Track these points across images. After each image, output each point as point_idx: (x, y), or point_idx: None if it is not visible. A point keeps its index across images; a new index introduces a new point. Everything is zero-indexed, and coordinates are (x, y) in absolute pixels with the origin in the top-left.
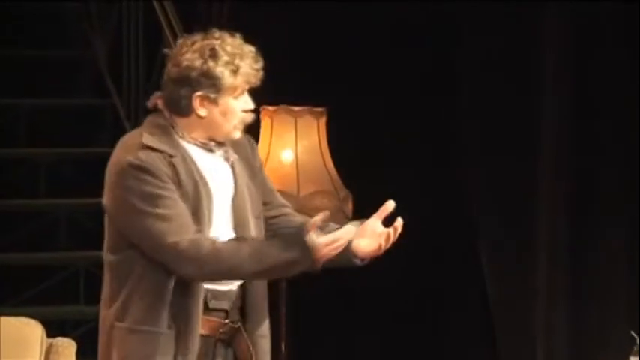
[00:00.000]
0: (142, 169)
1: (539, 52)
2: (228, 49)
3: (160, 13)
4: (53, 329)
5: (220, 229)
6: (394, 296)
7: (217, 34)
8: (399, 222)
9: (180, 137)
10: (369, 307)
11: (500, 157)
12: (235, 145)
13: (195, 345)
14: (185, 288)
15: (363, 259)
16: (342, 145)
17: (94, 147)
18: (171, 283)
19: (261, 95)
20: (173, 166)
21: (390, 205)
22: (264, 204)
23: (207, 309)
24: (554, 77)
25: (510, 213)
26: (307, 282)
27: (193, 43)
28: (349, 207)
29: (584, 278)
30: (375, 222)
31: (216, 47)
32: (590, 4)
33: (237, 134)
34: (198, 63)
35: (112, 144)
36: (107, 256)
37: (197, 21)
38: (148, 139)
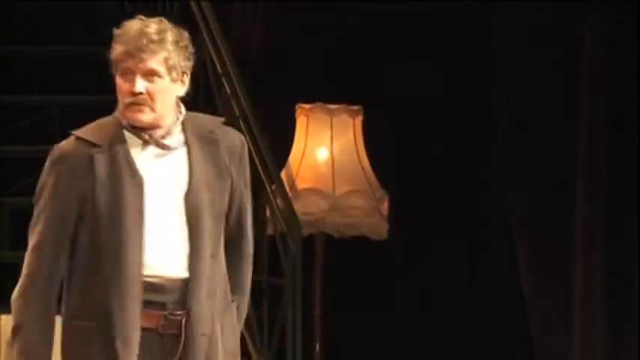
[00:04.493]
0: None
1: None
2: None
3: (196, 13)
4: None
5: (164, 224)
6: (430, 296)
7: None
8: None
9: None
10: (405, 307)
11: (539, 159)
12: (206, 140)
13: (129, 336)
14: (105, 282)
15: None
16: (378, 144)
17: None
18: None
19: (298, 93)
20: None
21: None
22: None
23: (144, 302)
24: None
25: (548, 218)
26: (343, 281)
27: None
28: (385, 207)
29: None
30: None
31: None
32: None
33: (131, 117)
34: None
35: None
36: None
37: (232, 20)
38: None
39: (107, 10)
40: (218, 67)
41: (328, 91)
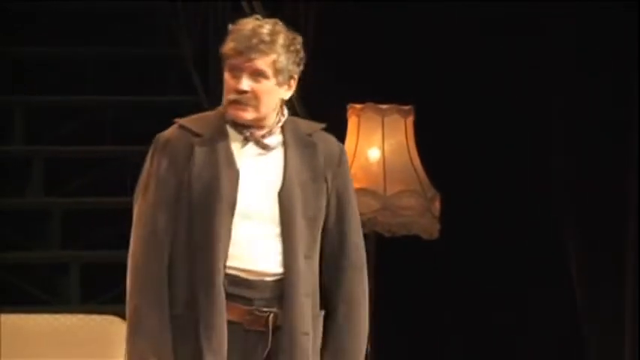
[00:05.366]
0: None
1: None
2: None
3: (248, 13)
4: None
5: (257, 219)
6: (481, 297)
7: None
8: None
9: None
10: (455, 307)
11: (591, 162)
12: (303, 143)
13: (209, 330)
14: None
15: None
16: (430, 144)
17: None
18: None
19: (349, 93)
20: None
21: None
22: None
23: (228, 295)
24: None
25: (597, 215)
26: (393, 280)
27: None
28: (436, 207)
29: None
30: None
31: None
32: None
33: (234, 113)
34: None
35: None
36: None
37: (284, 20)
38: None
39: (160, 11)
40: None
41: (379, 91)
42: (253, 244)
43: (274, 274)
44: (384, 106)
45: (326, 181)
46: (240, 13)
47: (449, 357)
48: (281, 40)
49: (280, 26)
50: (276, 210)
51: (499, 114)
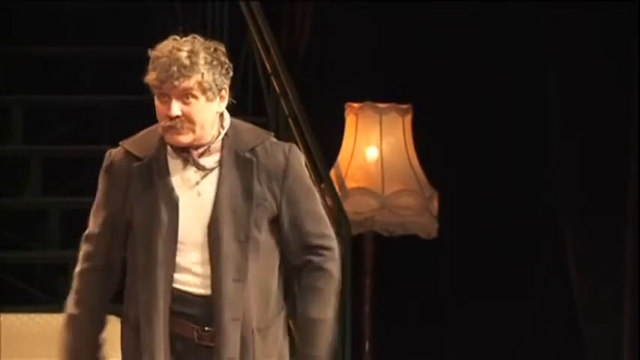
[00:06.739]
0: None
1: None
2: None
3: (245, 12)
4: None
5: (190, 245)
6: (479, 295)
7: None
8: None
9: None
10: (455, 308)
11: (589, 161)
12: (242, 161)
13: (152, 343)
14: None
15: None
16: (428, 143)
17: None
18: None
19: (347, 92)
20: None
21: None
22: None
23: (177, 313)
24: None
25: (598, 210)
26: (391, 279)
27: None
28: (435, 206)
29: None
30: None
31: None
32: None
33: (170, 139)
34: None
35: None
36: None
37: (282, 20)
38: None
39: (158, 11)
40: (267, 66)
41: (377, 90)
42: (188, 268)
43: (207, 295)
44: (382, 105)
45: (274, 196)
46: (238, 13)
47: (447, 356)
48: (201, 59)
49: (199, 43)
50: (206, 235)
51: (498, 113)
